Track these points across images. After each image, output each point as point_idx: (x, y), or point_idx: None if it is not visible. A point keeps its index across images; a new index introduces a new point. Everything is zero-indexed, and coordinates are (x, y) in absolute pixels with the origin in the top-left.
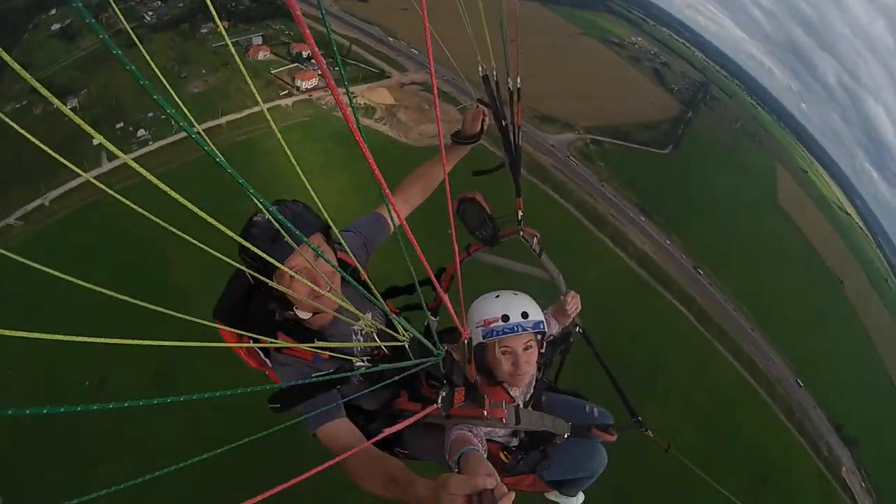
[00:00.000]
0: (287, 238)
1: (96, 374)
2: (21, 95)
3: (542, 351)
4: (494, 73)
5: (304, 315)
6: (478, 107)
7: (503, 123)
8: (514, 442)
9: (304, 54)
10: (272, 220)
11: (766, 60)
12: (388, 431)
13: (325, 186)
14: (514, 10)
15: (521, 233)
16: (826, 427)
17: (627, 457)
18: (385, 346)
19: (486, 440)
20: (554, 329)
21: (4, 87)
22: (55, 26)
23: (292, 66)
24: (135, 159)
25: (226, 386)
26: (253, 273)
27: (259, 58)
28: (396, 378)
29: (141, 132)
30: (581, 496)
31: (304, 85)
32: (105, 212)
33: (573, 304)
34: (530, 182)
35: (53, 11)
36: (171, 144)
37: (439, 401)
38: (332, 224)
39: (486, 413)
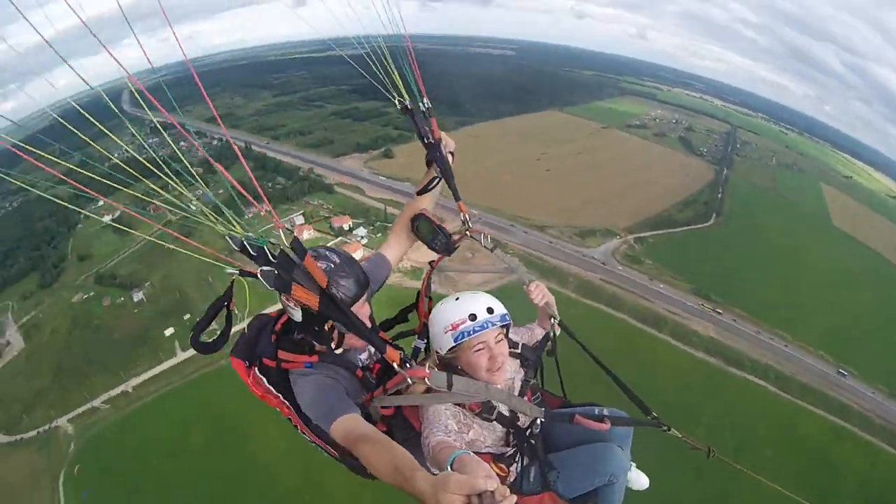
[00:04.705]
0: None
1: None
2: (86, 286)
3: (529, 358)
4: (409, 103)
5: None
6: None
7: (425, 141)
8: (509, 451)
9: (346, 227)
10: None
11: (777, 77)
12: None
13: None
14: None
15: (469, 232)
16: None
17: None
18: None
19: (476, 452)
20: (539, 335)
21: (68, 276)
22: (106, 218)
23: (337, 240)
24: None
25: None
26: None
27: (304, 238)
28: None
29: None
30: None
31: None
32: (189, 396)
33: (538, 293)
34: (582, 303)
35: (100, 203)
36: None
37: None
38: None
39: (409, 378)
